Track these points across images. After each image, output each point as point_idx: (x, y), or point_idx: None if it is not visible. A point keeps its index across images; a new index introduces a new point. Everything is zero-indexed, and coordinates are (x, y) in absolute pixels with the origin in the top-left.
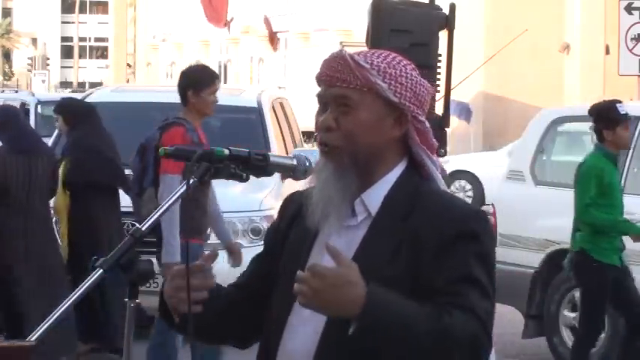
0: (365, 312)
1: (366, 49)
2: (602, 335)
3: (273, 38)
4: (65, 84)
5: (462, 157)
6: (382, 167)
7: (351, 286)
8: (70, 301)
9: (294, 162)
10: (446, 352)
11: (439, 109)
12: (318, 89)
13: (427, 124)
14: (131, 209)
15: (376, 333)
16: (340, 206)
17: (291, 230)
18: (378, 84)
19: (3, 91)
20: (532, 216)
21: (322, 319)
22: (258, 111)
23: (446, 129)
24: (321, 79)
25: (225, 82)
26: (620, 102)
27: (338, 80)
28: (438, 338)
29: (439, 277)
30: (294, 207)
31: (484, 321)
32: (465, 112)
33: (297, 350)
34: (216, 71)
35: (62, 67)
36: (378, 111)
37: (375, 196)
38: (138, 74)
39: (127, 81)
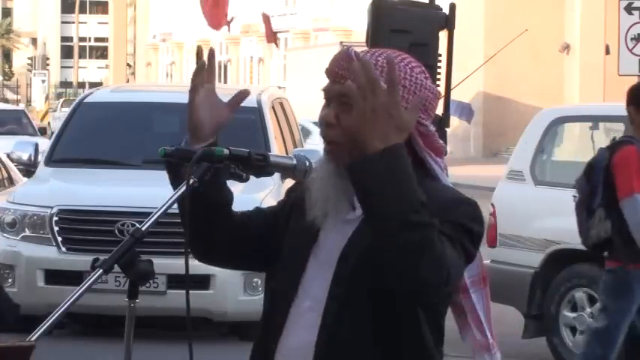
0: (385, 153)
1: (366, 48)
2: None
3: (270, 35)
4: (65, 84)
5: None
6: None
7: (391, 118)
8: (71, 300)
9: (294, 162)
10: (415, 248)
11: (439, 109)
12: (317, 89)
13: (431, 127)
14: (131, 209)
15: (374, 180)
16: (339, 204)
17: (291, 218)
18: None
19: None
20: (532, 216)
21: (318, 311)
22: (258, 111)
23: (446, 129)
24: (328, 73)
25: (225, 82)
26: None
27: (342, 77)
28: (419, 226)
29: None
30: (295, 195)
31: (448, 261)
32: (467, 112)
33: (298, 344)
34: (216, 71)
35: (62, 67)
36: None
37: None
38: (138, 74)
39: (127, 81)
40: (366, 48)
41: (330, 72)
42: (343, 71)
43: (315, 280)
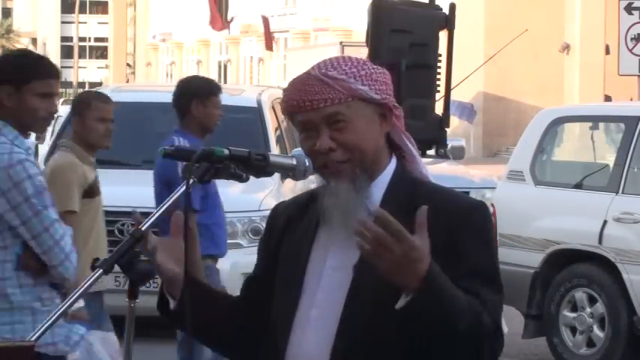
0: (423, 289)
1: (366, 49)
2: (602, 335)
3: (268, 38)
4: (65, 84)
5: None
6: (379, 166)
7: (421, 262)
8: (71, 300)
9: (294, 162)
10: (474, 337)
11: (439, 109)
12: None
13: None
14: (131, 209)
15: (424, 309)
16: (360, 214)
17: (283, 243)
18: (360, 89)
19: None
20: (532, 216)
21: (331, 317)
22: (258, 111)
23: (446, 129)
24: (300, 106)
25: (225, 82)
26: None
27: (322, 101)
28: (473, 325)
29: (454, 276)
30: (281, 220)
31: (494, 316)
32: (467, 112)
33: (309, 352)
34: (216, 71)
35: (62, 67)
36: (367, 114)
37: (373, 194)
38: (138, 74)
39: (127, 81)
40: (365, 48)
41: (303, 102)
42: (318, 95)
43: (320, 287)
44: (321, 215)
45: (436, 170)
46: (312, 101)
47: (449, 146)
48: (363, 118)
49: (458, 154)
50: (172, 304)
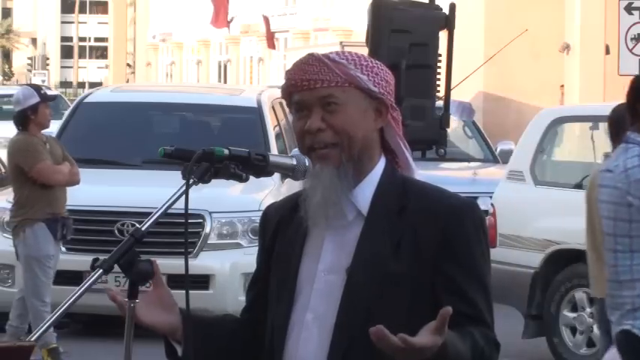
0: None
1: (366, 49)
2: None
3: (270, 38)
4: (65, 84)
5: None
6: (369, 162)
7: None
8: (71, 300)
9: (294, 162)
10: None
11: (439, 109)
12: None
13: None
14: (131, 209)
15: None
16: (342, 206)
17: (275, 244)
18: (359, 76)
19: None
20: (532, 216)
21: (326, 321)
22: (258, 111)
23: (446, 129)
24: (297, 85)
25: (225, 82)
26: None
27: (318, 82)
28: None
29: (449, 276)
30: (273, 222)
31: (492, 328)
32: (467, 112)
33: (305, 356)
34: (216, 71)
35: (62, 67)
36: (362, 104)
37: (363, 193)
38: (138, 74)
39: (127, 81)
40: (366, 48)
41: (300, 82)
42: (316, 75)
43: (314, 290)
44: (302, 199)
45: (486, 174)
46: (309, 81)
47: (498, 150)
48: (357, 107)
49: (509, 158)
50: (180, 351)
